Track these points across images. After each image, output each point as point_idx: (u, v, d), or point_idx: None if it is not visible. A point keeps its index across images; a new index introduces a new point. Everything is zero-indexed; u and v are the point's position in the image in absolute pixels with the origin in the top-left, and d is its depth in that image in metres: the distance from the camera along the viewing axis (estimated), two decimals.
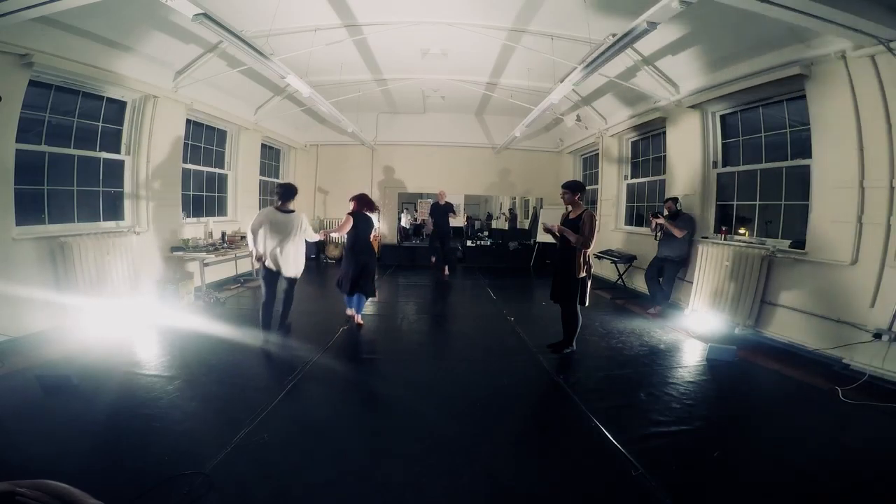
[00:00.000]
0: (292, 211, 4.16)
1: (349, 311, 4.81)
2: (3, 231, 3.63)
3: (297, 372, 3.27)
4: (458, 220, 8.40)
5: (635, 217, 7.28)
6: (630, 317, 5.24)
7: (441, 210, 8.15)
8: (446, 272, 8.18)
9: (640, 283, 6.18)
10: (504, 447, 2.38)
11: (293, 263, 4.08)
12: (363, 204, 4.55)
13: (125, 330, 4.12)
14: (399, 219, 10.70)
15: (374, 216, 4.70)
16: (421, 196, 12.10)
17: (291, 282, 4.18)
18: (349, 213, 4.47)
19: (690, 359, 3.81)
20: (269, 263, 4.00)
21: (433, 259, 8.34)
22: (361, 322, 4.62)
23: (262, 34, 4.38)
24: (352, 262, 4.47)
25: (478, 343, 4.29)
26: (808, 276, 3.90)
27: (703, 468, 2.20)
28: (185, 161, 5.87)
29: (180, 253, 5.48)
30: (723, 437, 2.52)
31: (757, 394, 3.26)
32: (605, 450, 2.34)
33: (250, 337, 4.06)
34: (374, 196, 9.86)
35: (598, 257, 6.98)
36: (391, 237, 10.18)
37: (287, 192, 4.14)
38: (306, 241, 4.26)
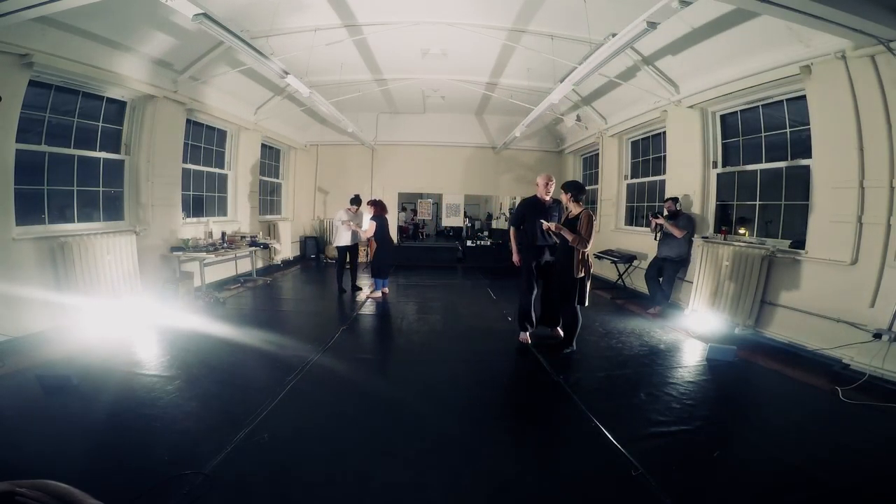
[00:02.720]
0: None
1: (377, 294, 6.12)
2: (3, 231, 3.63)
3: (297, 372, 3.27)
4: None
5: (635, 217, 7.28)
6: (630, 317, 5.24)
7: (540, 209, 4.06)
8: (565, 343, 3.91)
9: (640, 283, 6.18)
10: (504, 447, 2.38)
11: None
12: (382, 208, 5.97)
13: (125, 330, 4.12)
14: (399, 218, 10.71)
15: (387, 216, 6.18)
16: (421, 196, 12.12)
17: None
18: (371, 218, 5.84)
19: (690, 359, 3.81)
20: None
21: (526, 333, 4.14)
22: (387, 291, 6.28)
23: (262, 34, 4.39)
24: (386, 252, 6.04)
25: (478, 343, 4.29)
26: (808, 276, 3.90)
27: (703, 468, 2.20)
28: (185, 161, 5.87)
29: (180, 253, 5.48)
30: (723, 437, 2.52)
31: (757, 394, 3.26)
32: (605, 450, 2.34)
33: (250, 337, 4.06)
34: (373, 196, 9.91)
35: (598, 257, 6.98)
36: (391, 236, 10.17)
37: (353, 199, 6.27)
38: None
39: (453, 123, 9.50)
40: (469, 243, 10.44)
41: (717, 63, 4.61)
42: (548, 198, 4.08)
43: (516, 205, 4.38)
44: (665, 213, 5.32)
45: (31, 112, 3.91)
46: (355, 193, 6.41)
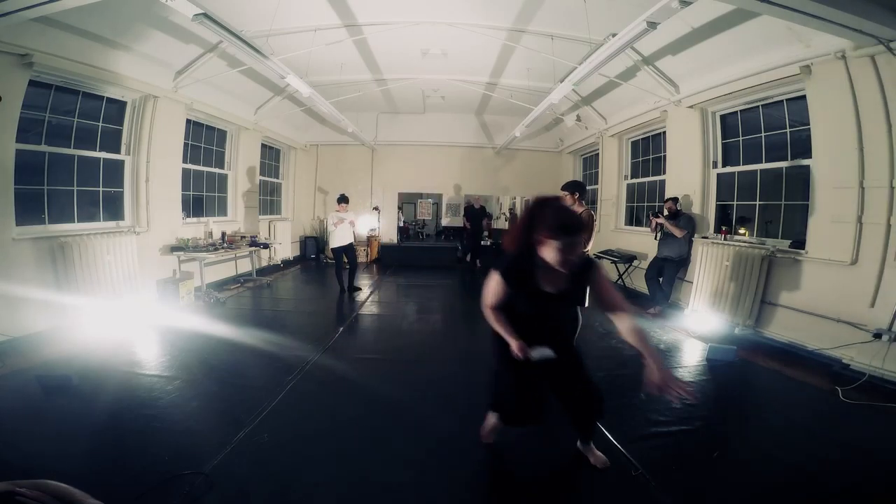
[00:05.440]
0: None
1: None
2: (3, 231, 3.63)
3: (297, 372, 3.27)
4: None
5: (635, 217, 7.28)
6: None
7: (476, 213, 9.11)
8: (479, 264, 9.28)
9: (640, 283, 6.18)
10: (504, 448, 2.38)
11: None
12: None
13: (125, 330, 4.12)
14: (399, 218, 10.71)
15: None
16: (421, 196, 12.12)
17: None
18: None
19: (690, 359, 3.81)
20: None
21: (468, 257, 9.55)
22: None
23: (261, 34, 4.38)
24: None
25: (478, 343, 4.28)
26: (808, 276, 3.89)
27: (703, 468, 2.20)
28: (185, 161, 5.87)
29: (180, 253, 5.48)
30: (723, 437, 2.52)
31: (757, 394, 3.26)
32: (605, 450, 2.33)
33: (250, 337, 4.06)
34: (373, 195, 9.92)
35: (598, 257, 6.98)
36: (391, 237, 10.17)
37: (340, 198, 6.25)
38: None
39: (453, 123, 9.49)
40: None
41: (717, 63, 4.61)
42: (477, 206, 9.20)
43: (467, 207, 9.37)
44: (665, 212, 5.32)
45: (31, 112, 3.91)
46: (341, 193, 6.42)
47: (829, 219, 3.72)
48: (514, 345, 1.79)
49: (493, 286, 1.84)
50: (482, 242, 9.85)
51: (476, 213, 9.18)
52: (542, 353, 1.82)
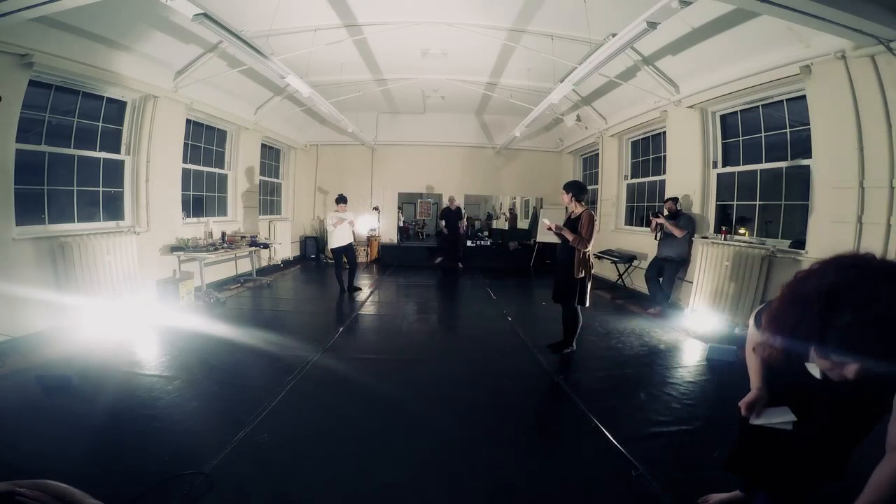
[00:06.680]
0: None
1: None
2: (3, 231, 3.63)
3: (297, 372, 3.27)
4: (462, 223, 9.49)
5: (635, 217, 7.28)
6: (630, 317, 5.23)
7: (452, 214, 9.01)
8: (460, 265, 9.22)
9: (640, 283, 6.18)
10: (504, 447, 2.38)
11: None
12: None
13: (125, 330, 4.12)
14: (399, 218, 10.71)
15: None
16: (421, 196, 12.11)
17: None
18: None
19: (690, 359, 3.81)
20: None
21: (439, 259, 9.22)
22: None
23: (261, 34, 4.38)
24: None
25: (478, 343, 4.29)
26: None
27: (704, 468, 2.20)
28: (185, 161, 5.87)
29: (180, 253, 5.48)
30: (723, 438, 2.51)
31: None
32: (605, 450, 2.34)
33: (250, 337, 4.06)
34: (373, 195, 9.93)
35: (598, 257, 6.98)
36: (391, 237, 10.17)
37: (339, 198, 6.26)
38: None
39: (453, 123, 9.49)
40: (469, 243, 10.43)
41: (717, 63, 4.61)
42: (454, 207, 8.97)
43: (442, 209, 9.21)
44: (665, 212, 5.33)
45: (31, 112, 3.90)
46: (339, 193, 6.39)
47: (829, 219, 3.71)
48: (748, 395, 1.52)
49: (752, 331, 1.48)
50: (467, 243, 9.83)
51: (452, 215, 9.02)
52: (777, 417, 1.42)
